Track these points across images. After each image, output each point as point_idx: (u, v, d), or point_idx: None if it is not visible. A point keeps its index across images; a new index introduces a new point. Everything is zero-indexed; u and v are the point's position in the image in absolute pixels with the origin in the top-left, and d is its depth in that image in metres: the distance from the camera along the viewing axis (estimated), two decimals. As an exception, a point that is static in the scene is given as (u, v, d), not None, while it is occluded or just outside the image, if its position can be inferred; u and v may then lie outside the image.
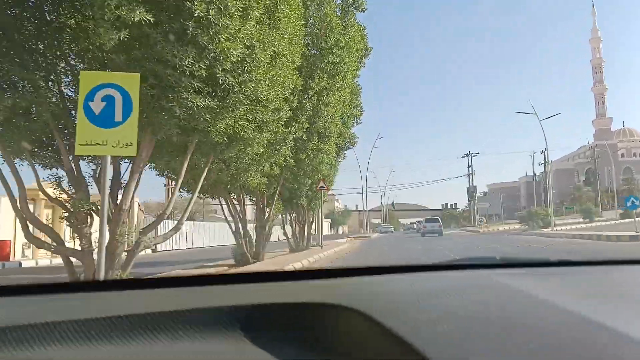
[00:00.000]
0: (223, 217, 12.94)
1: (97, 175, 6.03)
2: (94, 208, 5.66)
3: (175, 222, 7.36)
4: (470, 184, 50.57)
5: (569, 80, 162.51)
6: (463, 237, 29.93)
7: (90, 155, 5.93)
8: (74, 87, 5.97)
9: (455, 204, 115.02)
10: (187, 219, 8.40)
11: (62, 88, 5.94)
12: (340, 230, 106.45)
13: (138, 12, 4.26)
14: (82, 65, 6.02)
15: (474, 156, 50.97)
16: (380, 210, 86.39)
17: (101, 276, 3.79)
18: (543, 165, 55.16)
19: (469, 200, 52.81)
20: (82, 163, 6.12)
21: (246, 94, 5.65)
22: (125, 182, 6.16)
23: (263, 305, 0.70)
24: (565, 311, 0.61)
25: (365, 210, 48.95)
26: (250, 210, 16.10)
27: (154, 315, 0.68)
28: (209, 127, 5.53)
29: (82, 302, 0.81)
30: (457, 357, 0.48)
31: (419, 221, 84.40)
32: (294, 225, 16.48)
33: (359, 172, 47.85)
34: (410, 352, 0.50)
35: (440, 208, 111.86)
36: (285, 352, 0.62)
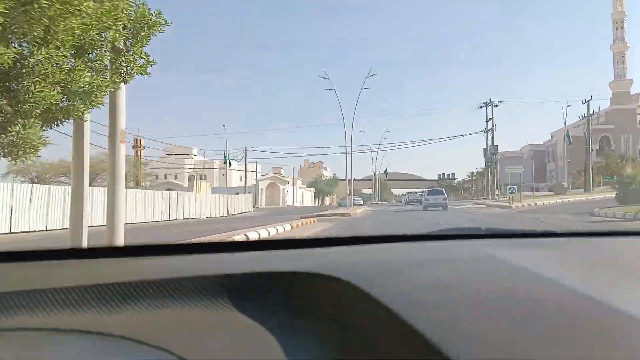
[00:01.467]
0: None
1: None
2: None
3: None
4: (490, 143, 37.82)
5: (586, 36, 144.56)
6: (498, 217, 18.23)
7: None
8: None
9: (453, 174, 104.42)
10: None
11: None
12: (327, 202, 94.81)
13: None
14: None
15: (495, 106, 38.06)
16: (371, 180, 73.80)
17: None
18: (586, 119, 42.11)
19: (487, 165, 39.98)
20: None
21: None
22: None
23: (249, 274, 0.70)
24: (551, 281, 0.61)
25: (349, 180, 36.17)
26: None
27: (139, 284, 0.67)
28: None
29: (68, 269, 0.80)
30: (443, 326, 0.48)
31: (409, 192, 74.46)
32: None
33: (343, 125, 34.78)
34: (395, 320, 0.51)
35: (437, 178, 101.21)
36: (272, 320, 0.62)
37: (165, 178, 63.28)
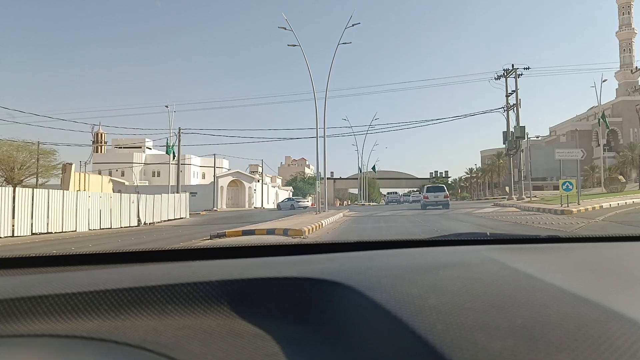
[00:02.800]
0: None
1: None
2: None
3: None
4: (515, 124, 27.67)
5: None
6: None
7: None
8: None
9: (447, 172, 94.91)
10: None
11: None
12: (309, 202, 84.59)
13: None
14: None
15: (520, 74, 27.96)
16: (357, 179, 63.64)
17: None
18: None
19: (508, 153, 29.66)
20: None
21: None
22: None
23: (252, 280, 0.70)
24: (555, 287, 0.60)
25: (322, 179, 25.96)
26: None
27: (142, 290, 0.67)
28: None
29: (69, 275, 0.79)
30: (446, 331, 0.48)
31: (388, 193, 67.49)
32: None
33: (313, 94, 24.38)
34: (399, 326, 0.51)
35: (429, 177, 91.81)
36: (275, 327, 0.62)
37: (111, 175, 52.47)
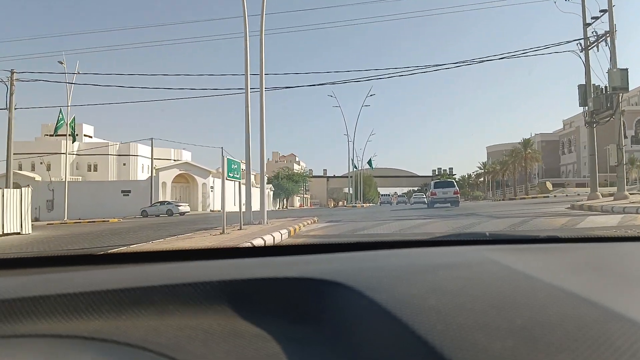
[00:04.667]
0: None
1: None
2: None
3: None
4: (609, 67, 16.29)
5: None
6: None
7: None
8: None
9: (451, 169, 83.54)
10: None
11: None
12: (297, 203, 72.99)
13: None
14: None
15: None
16: (352, 176, 52.16)
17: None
18: None
19: (590, 119, 17.80)
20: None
21: None
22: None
23: (253, 280, 0.70)
24: (554, 287, 0.60)
25: (251, 160, 13.95)
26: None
27: (142, 290, 0.67)
28: None
29: (69, 276, 0.80)
30: (446, 331, 0.48)
31: (381, 195, 61.29)
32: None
33: (244, 19, 12.78)
34: (399, 326, 0.51)
35: (432, 174, 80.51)
36: (276, 327, 0.62)
37: (33, 169, 40.71)
